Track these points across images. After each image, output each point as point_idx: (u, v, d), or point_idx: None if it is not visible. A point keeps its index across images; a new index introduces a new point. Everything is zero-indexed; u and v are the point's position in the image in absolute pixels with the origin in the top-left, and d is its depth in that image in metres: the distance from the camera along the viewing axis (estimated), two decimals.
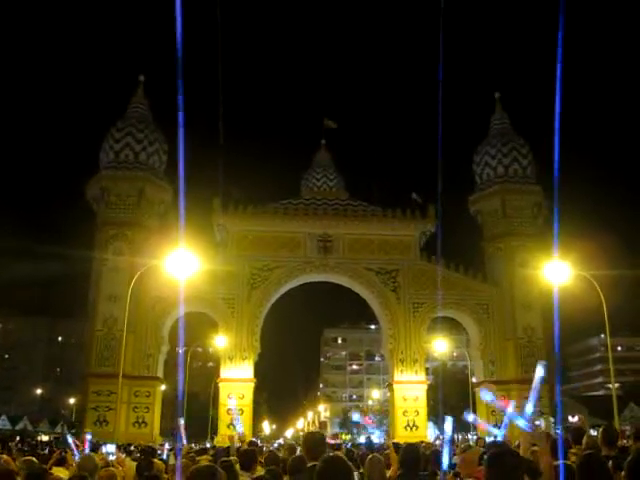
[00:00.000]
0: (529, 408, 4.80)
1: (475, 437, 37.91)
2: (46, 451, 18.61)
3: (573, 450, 8.25)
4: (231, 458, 7.90)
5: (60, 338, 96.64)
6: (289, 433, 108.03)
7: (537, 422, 30.77)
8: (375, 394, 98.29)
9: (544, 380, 4.86)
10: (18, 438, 38.23)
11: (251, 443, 14.17)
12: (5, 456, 9.42)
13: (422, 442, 14.23)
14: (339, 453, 9.43)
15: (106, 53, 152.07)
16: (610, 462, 5.91)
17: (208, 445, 29.02)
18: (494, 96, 50.37)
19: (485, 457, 4.22)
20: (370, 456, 6.65)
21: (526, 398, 5.20)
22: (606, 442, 7.57)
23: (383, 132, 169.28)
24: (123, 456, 13.82)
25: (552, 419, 35.07)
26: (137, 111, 46.78)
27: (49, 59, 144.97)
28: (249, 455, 7.79)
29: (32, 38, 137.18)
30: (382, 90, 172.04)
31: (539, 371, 4.87)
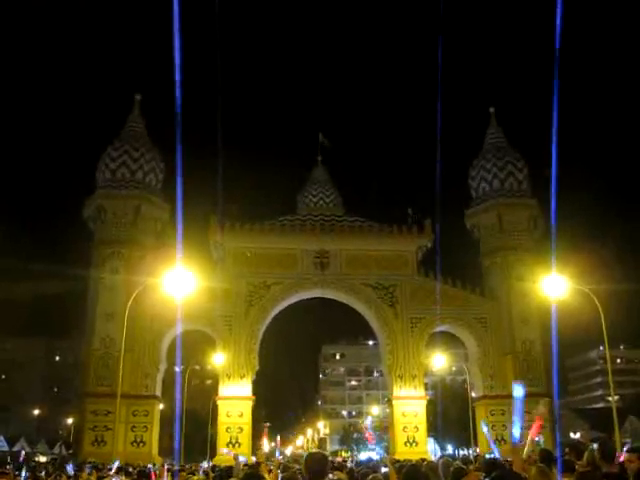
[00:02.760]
0: (516, 431, 4.79)
1: (475, 453, 37.72)
2: (42, 473, 18.42)
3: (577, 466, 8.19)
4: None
5: (57, 357, 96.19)
6: (288, 451, 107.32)
7: (536, 439, 30.64)
8: (375, 410, 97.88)
9: (524, 398, 4.82)
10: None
11: (253, 466, 14.06)
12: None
13: (424, 460, 14.11)
14: (341, 475, 9.35)
15: (102, 72, 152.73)
16: None
17: (206, 464, 28.72)
18: (489, 111, 50.67)
19: None
20: (370, 476, 6.60)
21: (528, 413, 5.19)
22: (604, 458, 7.50)
23: (379, 148, 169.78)
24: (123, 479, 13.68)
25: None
26: (133, 130, 46.97)
27: (45, 78, 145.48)
28: (253, 476, 7.73)
29: (29, 57, 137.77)
30: (378, 105, 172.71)
31: (517, 391, 4.84)
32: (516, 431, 4.87)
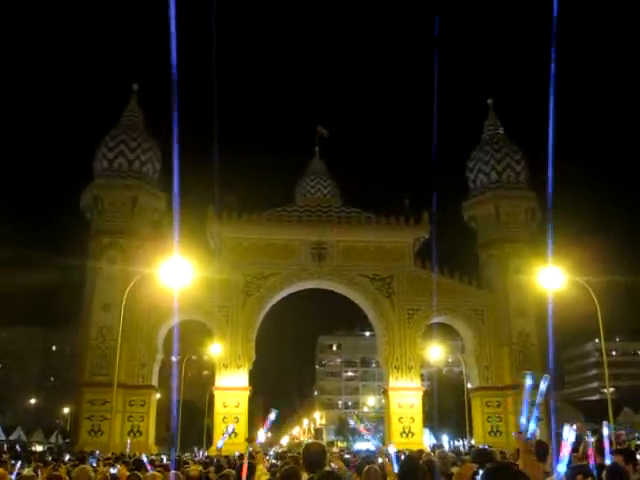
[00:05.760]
0: (523, 419, 4.79)
1: (468, 445, 37.86)
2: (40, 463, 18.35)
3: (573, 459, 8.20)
4: (228, 471, 7.84)
5: (54, 347, 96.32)
6: (284, 441, 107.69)
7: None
8: (371, 401, 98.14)
9: (531, 388, 4.85)
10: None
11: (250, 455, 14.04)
12: (1, 470, 9.33)
13: (421, 451, 14.12)
14: (340, 463, 9.38)
15: (99, 62, 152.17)
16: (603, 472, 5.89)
17: (200, 454, 28.79)
18: (487, 102, 50.59)
19: (480, 473, 4.19)
20: (367, 467, 6.60)
21: (532, 404, 5.18)
22: (598, 450, 7.52)
23: (377, 139, 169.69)
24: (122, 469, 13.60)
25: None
26: (130, 119, 46.81)
27: (42, 68, 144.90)
28: (248, 467, 7.73)
29: (26, 47, 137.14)
30: (375, 97, 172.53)
31: (527, 380, 4.85)
32: (523, 420, 4.88)
